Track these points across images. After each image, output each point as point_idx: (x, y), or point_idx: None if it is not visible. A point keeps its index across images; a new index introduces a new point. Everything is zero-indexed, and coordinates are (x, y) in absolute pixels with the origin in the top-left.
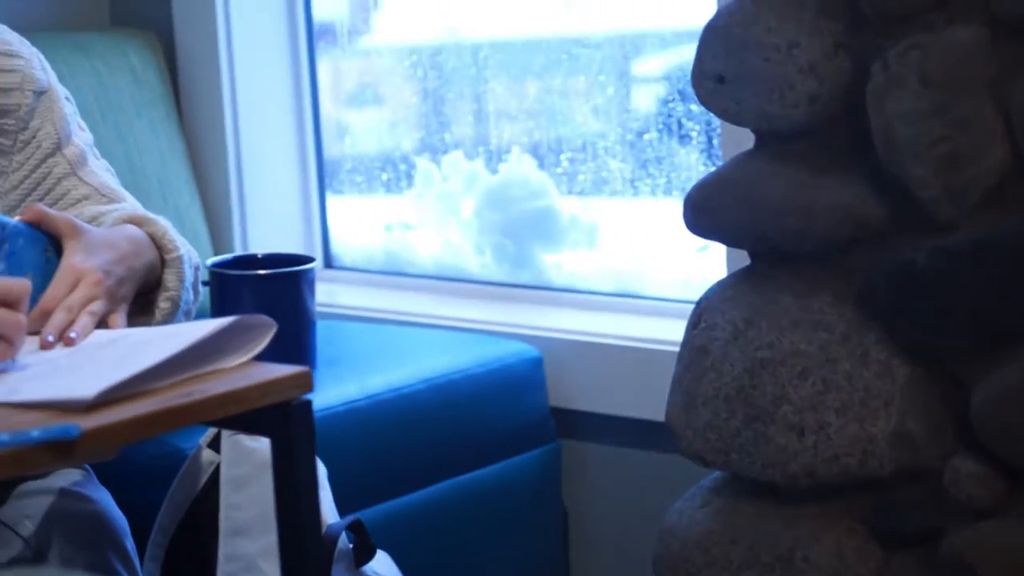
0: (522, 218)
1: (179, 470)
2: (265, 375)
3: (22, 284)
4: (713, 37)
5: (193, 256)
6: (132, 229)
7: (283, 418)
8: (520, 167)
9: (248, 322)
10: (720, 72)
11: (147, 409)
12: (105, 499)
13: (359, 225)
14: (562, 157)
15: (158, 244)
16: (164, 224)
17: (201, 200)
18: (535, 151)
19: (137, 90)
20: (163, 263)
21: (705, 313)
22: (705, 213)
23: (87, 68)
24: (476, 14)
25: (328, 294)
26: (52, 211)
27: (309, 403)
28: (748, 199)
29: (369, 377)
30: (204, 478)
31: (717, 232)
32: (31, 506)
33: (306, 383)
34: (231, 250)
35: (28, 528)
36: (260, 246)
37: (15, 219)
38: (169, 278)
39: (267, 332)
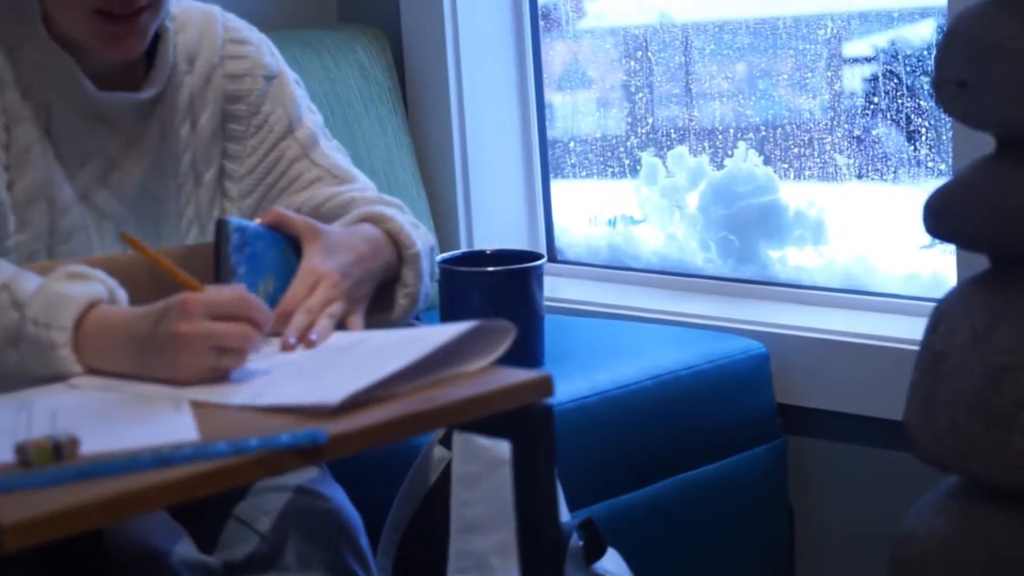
0: (747, 213)
1: (411, 466)
2: (507, 380)
3: (238, 297)
4: (954, 42)
5: (428, 240)
6: (369, 229)
7: (524, 422)
8: (746, 162)
9: (488, 327)
10: (962, 78)
11: (391, 414)
12: (340, 496)
13: (582, 218)
14: (787, 150)
15: (395, 241)
16: (400, 220)
17: (427, 194)
18: (761, 145)
19: (365, 86)
20: (401, 259)
21: (944, 318)
22: (945, 218)
23: (316, 65)
24: None
25: (552, 288)
26: (291, 213)
27: (550, 408)
28: (989, 204)
29: (597, 373)
30: (435, 474)
31: (956, 237)
32: (268, 502)
33: (547, 388)
34: (456, 242)
35: (265, 524)
36: (485, 239)
37: (255, 222)
38: (407, 274)
39: (506, 336)
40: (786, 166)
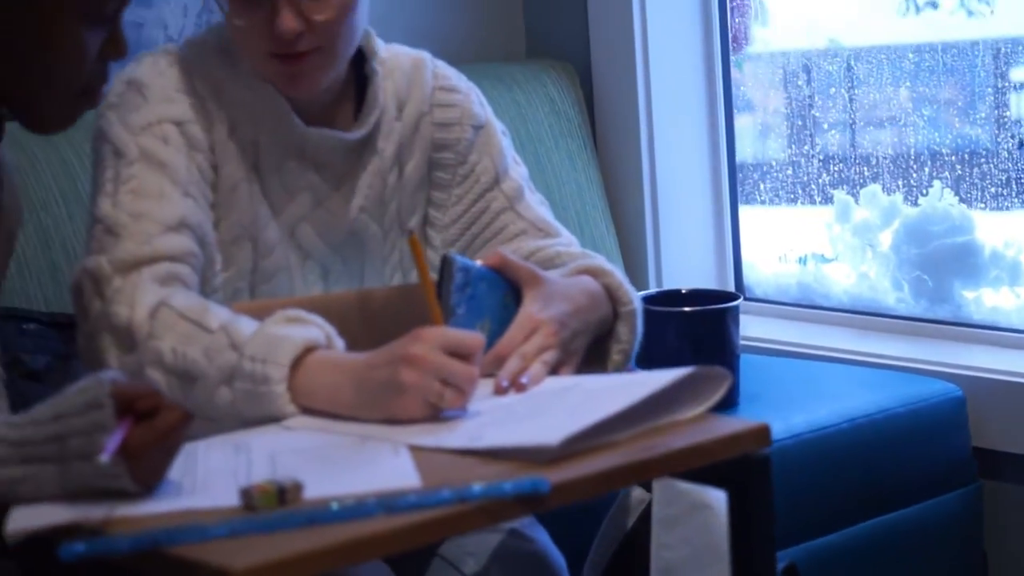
0: (941, 253)
1: (610, 507)
2: (725, 428)
3: (477, 339)
4: None
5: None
6: (589, 281)
7: (742, 471)
8: (941, 201)
9: (703, 373)
10: None
11: (612, 463)
12: (544, 538)
13: (771, 256)
14: (983, 189)
15: (613, 296)
16: (619, 276)
17: (616, 229)
18: (956, 184)
19: (555, 120)
20: (616, 315)
21: None
22: None
23: (508, 99)
24: (856, 23)
25: (741, 326)
26: (516, 258)
27: (768, 458)
28: None
29: (792, 415)
30: (634, 516)
31: None
32: (472, 543)
33: (765, 437)
34: (645, 277)
35: (471, 565)
36: (673, 275)
37: (478, 263)
38: (622, 330)
39: (721, 384)
40: (982, 206)
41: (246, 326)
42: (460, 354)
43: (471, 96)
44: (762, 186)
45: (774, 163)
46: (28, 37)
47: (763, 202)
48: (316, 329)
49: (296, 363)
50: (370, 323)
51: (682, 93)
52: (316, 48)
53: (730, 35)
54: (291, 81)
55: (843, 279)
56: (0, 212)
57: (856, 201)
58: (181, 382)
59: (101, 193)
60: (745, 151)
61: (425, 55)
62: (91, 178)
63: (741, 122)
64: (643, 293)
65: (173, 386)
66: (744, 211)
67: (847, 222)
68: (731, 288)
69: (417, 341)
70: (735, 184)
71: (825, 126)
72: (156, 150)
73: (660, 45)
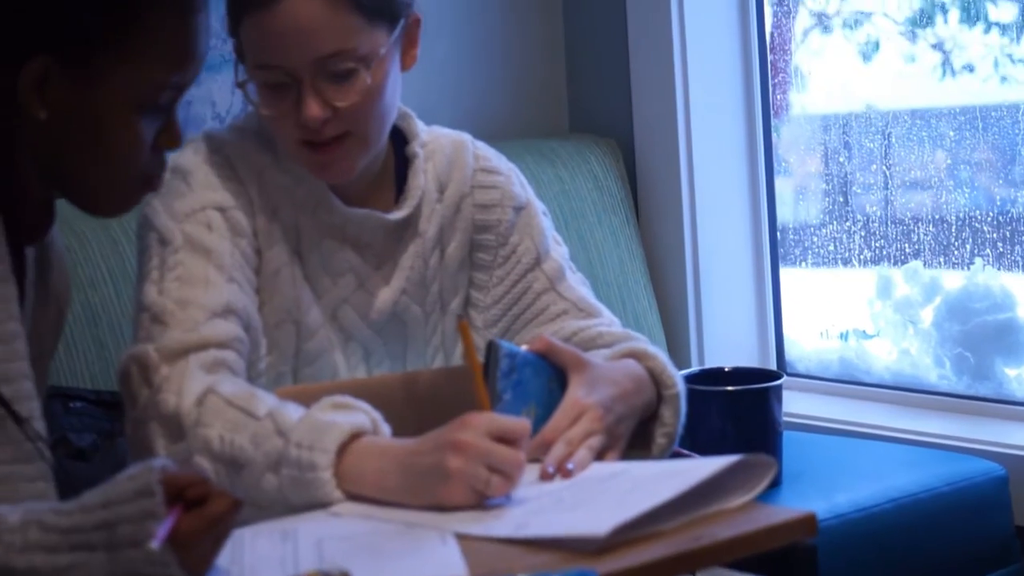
0: (983, 330)
1: None
2: (771, 518)
3: (523, 425)
4: None
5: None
6: (633, 365)
7: (787, 560)
8: (983, 273)
9: (750, 461)
10: None
11: (658, 553)
12: None
13: (813, 331)
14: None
15: (657, 380)
16: (663, 359)
17: (658, 306)
18: (999, 259)
19: (599, 196)
20: (660, 398)
21: None
22: None
23: (551, 175)
24: (892, 87)
25: (784, 402)
26: (560, 343)
27: (815, 548)
28: None
29: (835, 495)
30: None
31: None
32: None
33: (812, 527)
34: (687, 354)
35: None
36: (715, 351)
37: (523, 348)
38: (666, 413)
39: (768, 471)
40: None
41: (293, 412)
42: (507, 440)
43: (512, 177)
44: (803, 263)
45: (816, 236)
46: (84, 127)
47: (804, 264)
48: (363, 415)
49: (342, 449)
50: (415, 405)
51: (725, 169)
52: (345, 133)
53: (772, 110)
54: (323, 169)
55: (885, 355)
56: (49, 293)
57: (897, 272)
58: (228, 469)
59: (147, 281)
60: (784, 215)
61: (466, 137)
62: (136, 265)
63: (779, 185)
64: (686, 372)
65: (220, 473)
66: (785, 273)
67: (888, 298)
68: (773, 365)
69: (464, 427)
70: (777, 262)
71: (867, 204)
72: (201, 237)
73: (703, 121)
